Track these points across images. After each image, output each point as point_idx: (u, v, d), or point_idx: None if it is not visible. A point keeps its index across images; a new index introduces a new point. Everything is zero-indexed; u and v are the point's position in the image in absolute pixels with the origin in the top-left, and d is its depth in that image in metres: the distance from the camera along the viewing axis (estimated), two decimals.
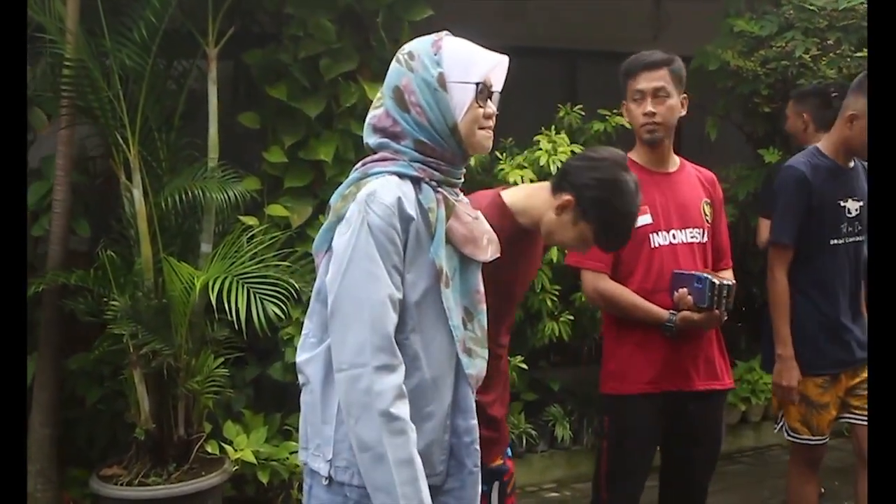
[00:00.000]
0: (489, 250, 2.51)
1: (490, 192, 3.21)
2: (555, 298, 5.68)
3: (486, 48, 2.42)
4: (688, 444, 3.82)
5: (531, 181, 5.47)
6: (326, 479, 2.36)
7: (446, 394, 2.43)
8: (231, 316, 4.34)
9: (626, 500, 3.80)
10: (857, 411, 4.23)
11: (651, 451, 3.85)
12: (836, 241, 4.15)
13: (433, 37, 2.43)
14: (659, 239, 3.71)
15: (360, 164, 2.44)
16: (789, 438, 4.31)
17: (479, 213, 2.54)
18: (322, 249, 2.42)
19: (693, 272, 3.68)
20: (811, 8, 6.16)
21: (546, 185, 3.12)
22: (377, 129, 2.43)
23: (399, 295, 2.29)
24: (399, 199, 2.29)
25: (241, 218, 4.95)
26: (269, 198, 5.26)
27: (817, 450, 4.28)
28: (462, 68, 2.37)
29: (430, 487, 2.39)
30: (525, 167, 5.55)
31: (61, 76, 4.70)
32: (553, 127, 5.79)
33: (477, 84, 2.36)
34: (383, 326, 2.24)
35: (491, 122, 2.43)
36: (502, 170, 5.58)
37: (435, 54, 2.37)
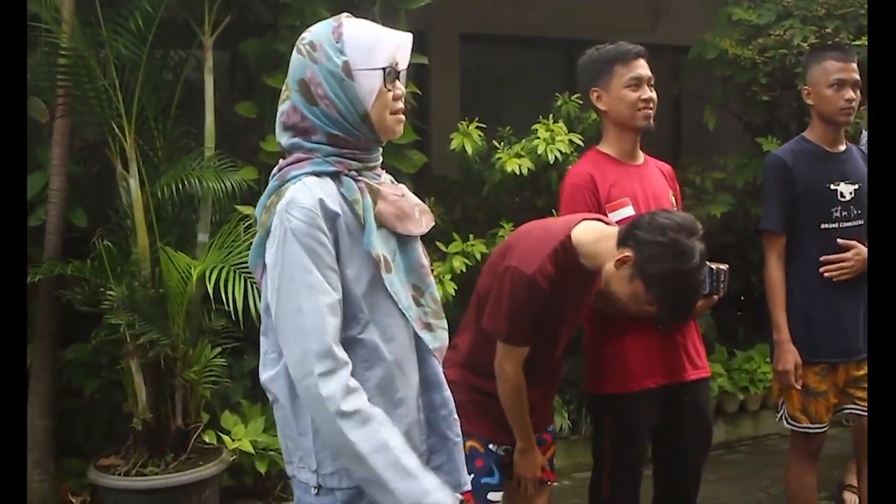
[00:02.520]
0: (423, 222, 2.48)
1: (563, 224, 3.28)
2: None
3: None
4: (681, 433, 3.82)
5: (528, 170, 5.46)
6: (315, 487, 2.35)
7: (412, 375, 2.43)
8: (228, 306, 4.34)
9: (629, 497, 3.80)
10: (860, 402, 4.23)
11: (648, 444, 3.86)
12: (827, 226, 4.15)
13: (332, 22, 2.36)
14: None
15: (276, 169, 2.38)
16: (789, 426, 4.31)
17: (405, 189, 2.49)
18: (258, 265, 2.38)
19: None
20: None
21: (615, 232, 3.16)
22: (287, 127, 2.36)
23: (338, 296, 2.25)
24: (320, 199, 2.24)
25: (238, 207, 4.93)
26: (265, 187, 5.23)
27: (816, 438, 4.28)
28: (366, 54, 2.30)
29: None
30: (523, 156, 5.53)
31: (57, 66, 4.68)
32: (551, 116, 5.78)
33: (384, 69, 2.30)
34: (323, 333, 2.20)
35: (401, 105, 2.37)
36: (500, 159, 5.57)
37: (337, 41, 2.30)
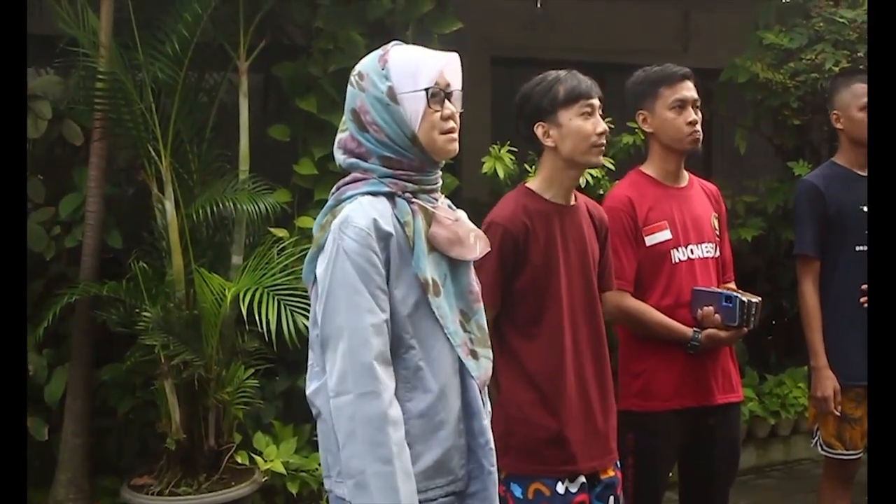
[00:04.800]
0: (478, 247, 2.51)
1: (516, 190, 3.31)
2: None
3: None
4: (707, 458, 3.81)
5: None
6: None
7: (454, 399, 2.45)
8: (261, 327, 4.37)
9: None
10: None
11: (672, 465, 3.86)
12: (862, 248, 4.13)
13: (380, 51, 2.44)
14: (679, 254, 3.70)
15: (335, 188, 2.45)
16: (824, 453, 4.28)
17: (461, 214, 2.53)
18: (310, 280, 2.44)
19: (719, 290, 3.69)
20: (841, 21, 6.13)
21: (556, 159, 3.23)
22: (345, 151, 2.44)
23: (385, 316, 2.29)
24: (374, 220, 2.30)
25: (272, 230, 4.98)
26: (299, 210, 5.29)
27: (851, 465, 4.26)
28: (410, 77, 2.36)
29: (454, 494, 2.44)
30: None
31: (94, 89, 4.75)
32: None
33: (426, 89, 2.36)
34: (366, 353, 2.24)
35: (451, 124, 2.41)
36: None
37: (382, 69, 2.38)
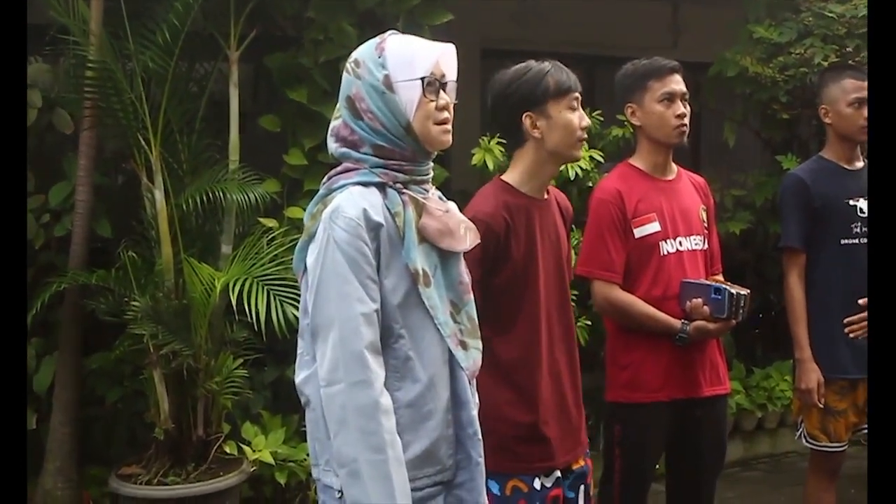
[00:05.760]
0: (468, 238, 2.52)
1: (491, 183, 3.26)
2: (572, 303, 5.67)
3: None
4: (695, 450, 3.83)
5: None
6: (339, 491, 2.36)
7: (443, 390, 2.46)
8: (250, 317, 4.37)
9: None
10: None
11: (659, 457, 3.88)
12: (847, 241, 4.16)
13: (377, 39, 2.44)
14: (667, 247, 3.71)
15: (326, 177, 2.46)
16: (808, 445, 4.31)
17: (451, 206, 2.54)
18: (300, 269, 2.44)
19: (708, 283, 3.70)
20: (830, 15, 6.15)
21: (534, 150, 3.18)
22: (338, 139, 2.45)
23: (375, 306, 2.30)
24: (364, 209, 2.30)
25: (262, 220, 4.98)
26: (288, 200, 5.28)
27: (835, 457, 4.28)
28: (406, 66, 2.37)
29: (443, 483, 2.45)
30: None
31: (84, 78, 4.74)
32: None
33: (422, 78, 2.37)
34: (356, 342, 2.25)
35: (446, 114, 2.43)
36: None
37: (379, 57, 2.39)
